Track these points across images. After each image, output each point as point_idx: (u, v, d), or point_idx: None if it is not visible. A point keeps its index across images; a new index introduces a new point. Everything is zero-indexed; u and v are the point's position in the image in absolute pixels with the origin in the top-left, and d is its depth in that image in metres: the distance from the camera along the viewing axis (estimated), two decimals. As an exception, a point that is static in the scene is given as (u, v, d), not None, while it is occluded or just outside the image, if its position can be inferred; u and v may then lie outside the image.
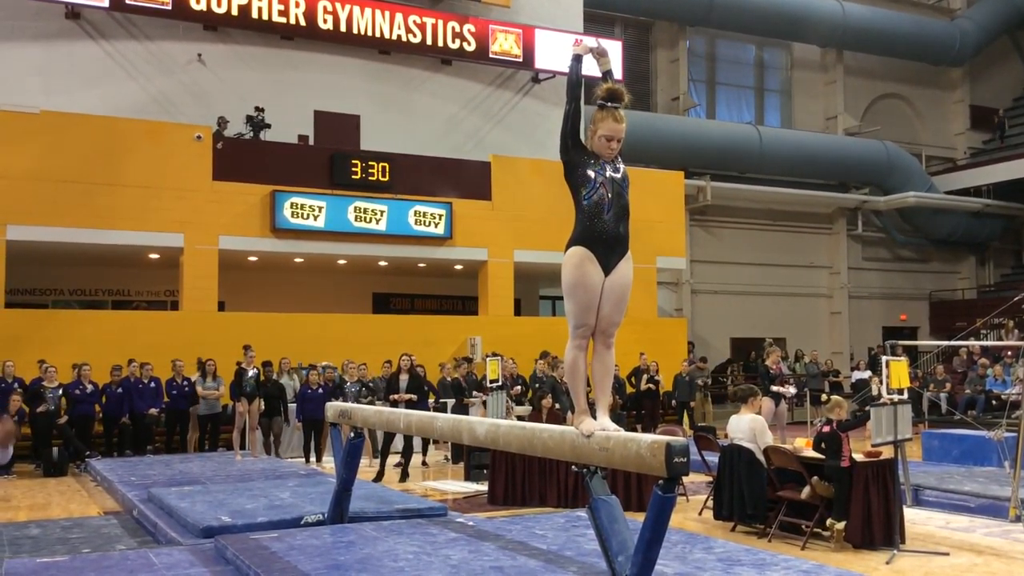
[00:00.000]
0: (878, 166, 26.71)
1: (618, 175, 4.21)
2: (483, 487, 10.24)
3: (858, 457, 7.47)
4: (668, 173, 20.59)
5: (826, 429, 7.65)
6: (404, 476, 11.72)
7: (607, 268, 4.10)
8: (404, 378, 12.91)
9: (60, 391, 12.94)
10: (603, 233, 4.10)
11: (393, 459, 12.08)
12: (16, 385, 12.75)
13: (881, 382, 8.65)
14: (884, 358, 8.69)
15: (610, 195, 4.14)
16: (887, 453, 7.73)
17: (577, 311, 4.11)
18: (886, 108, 28.96)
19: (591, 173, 4.16)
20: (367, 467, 12.06)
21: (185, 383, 13.82)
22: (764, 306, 25.46)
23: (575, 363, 4.18)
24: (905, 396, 8.16)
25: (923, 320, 28.52)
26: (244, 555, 5.97)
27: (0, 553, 7.09)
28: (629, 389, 16.87)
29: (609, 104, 4.20)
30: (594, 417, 4.17)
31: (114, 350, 13.85)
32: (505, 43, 19.75)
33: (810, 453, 7.85)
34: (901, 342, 13.90)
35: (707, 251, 25.06)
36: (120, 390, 13.46)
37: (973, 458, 11.05)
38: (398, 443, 12.27)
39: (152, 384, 13.71)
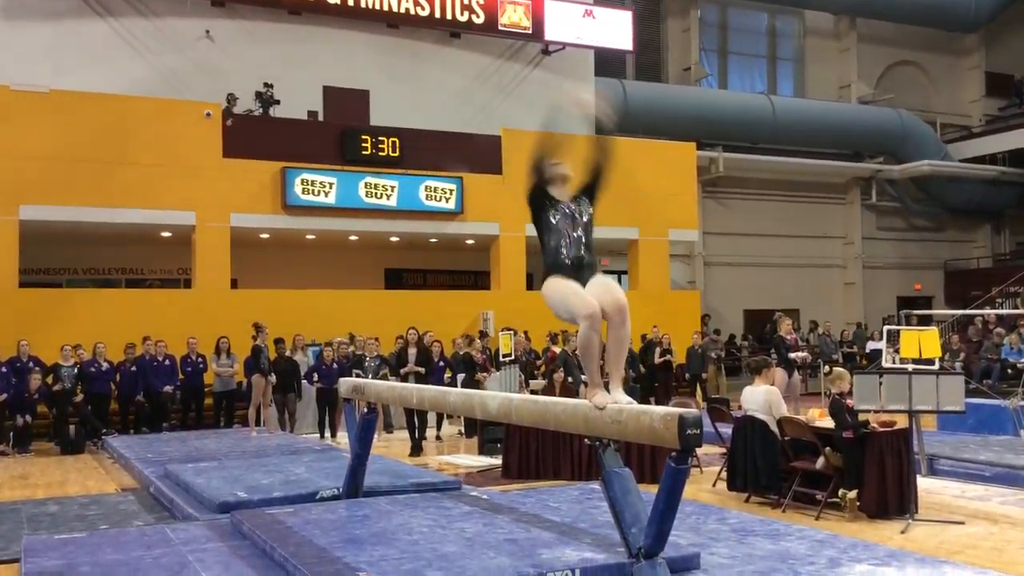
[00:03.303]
0: (892, 134, 26.44)
1: (577, 213, 4.62)
2: (497, 461, 10.28)
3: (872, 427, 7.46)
4: (680, 145, 20.45)
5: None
6: (418, 450, 11.78)
7: (582, 284, 4.48)
8: (412, 351, 12.98)
9: (75, 369, 13.03)
10: (568, 264, 4.52)
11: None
12: (32, 364, 12.84)
13: (895, 351, 8.62)
14: (886, 328, 8.66)
15: (569, 236, 4.56)
16: (902, 423, 7.71)
17: (578, 309, 4.34)
18: (900, 76, 28.62)
19: (551, 219, 4.61)
20: (379, 443, 12.14)
21: (200, 360, 13.90)
22: (778, 277, 25.34)
23: (589, 340, 4.31)
24: (936, 366, 8.14)
25: (938, 289, 28.33)
26: (260, 530, 6.02)
27: (19, 530, 7.17)
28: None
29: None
30: (607, 391, 4.19)
31: (128, 328, 13.92)
32: (514, 15, 19.58)
33: (823, 423, 7.83)
34: (916, 311, 13.85)
35: (720, 223, 24.92)
36: (135, 368, 13.54)
37: (988, 427, 11.00)
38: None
39: (167, 362, 13.80)
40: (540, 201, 4.63)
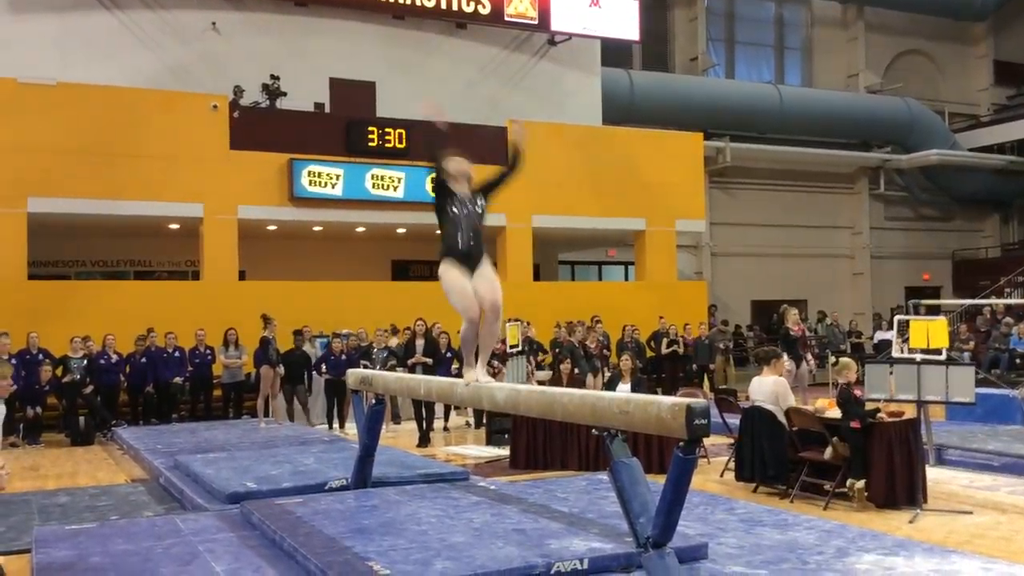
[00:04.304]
0: (900, 124, 26.34)
1: (473, 206, 5.52)
2: (504, 452, 10.30)
3: (881, 417, 7.46)
4: (687, 135, 20.40)
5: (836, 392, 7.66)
6: (425, 441, 11.81)
7: (471, 270, 5.43)
8: (420, 343, 12.99)
9: (85, 361, 13.08)
10: (461, 252, 5.42)
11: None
12: (41, 356, 12.90)
13: (904, 341, 8.61)
14: (897, 318, 8.65)
15: (463, 227, 5.43)
16: (910, 413, 7.71)
17: (461, 305, 5.39)
18: (908, 65, 28.49)
19: (450, 210, 5.47)
20: (387, 434, 12.16)
21: (208, 352, 13.95)
22: (785, 268, 25.29)
23: (466, 335, 5.54)
24: (943, 355, 8.14)
25: (946, 279, 28.26)
26: (270, 520, 6.04)
27: (30, 520, 7.21)
28: (649, 353, 16.86)
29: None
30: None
31: (137, 320, 13.96)
32: (520, 5, 19.51)
33: (831, 414, 7.83)
34: (924, 301, 13.81)
35: (727, 213, 24.87)
36: (144, 359, 13.60)
37: (997, 417, 10.98)
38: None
39: (176, 353, 13.84)
40: (441, 192, 5.51)
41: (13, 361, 12.61)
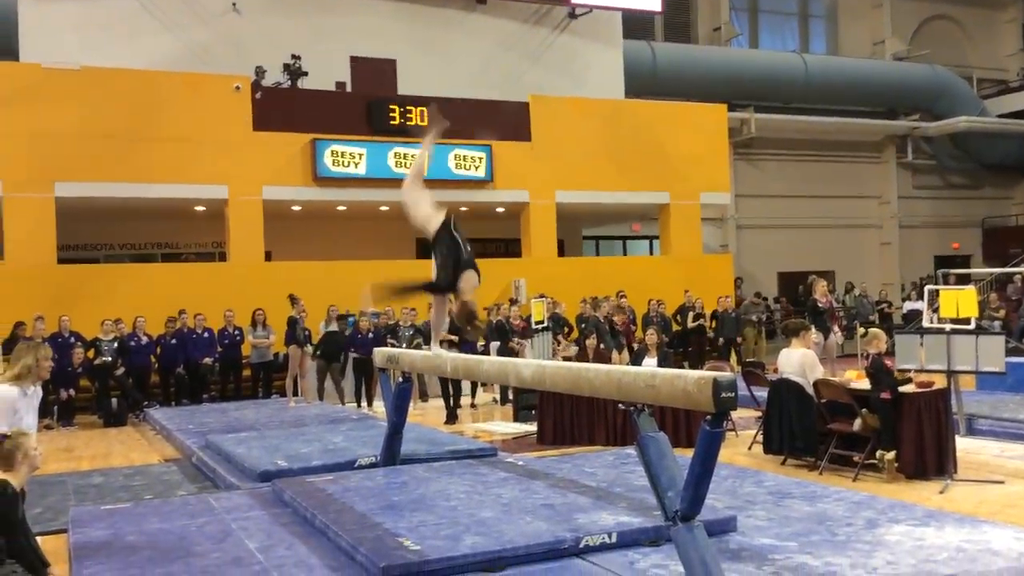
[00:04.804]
0: (927, 91, 25.94)
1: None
2: (532, 428, 10.32)
3: (910, 388, 7.40)
4: (710, 106, 20.19)
5: (865, 363, 7.60)
6: (453, 418, 11.86)
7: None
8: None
9: (116, 343, 13.24)
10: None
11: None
12: (73, 339, 13.07)
13: (934, 311, 8.53)
14: (927, 287, 8.57)
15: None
16: (940, 383, 7.64)
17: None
18: (935, 30, 28.00)
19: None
20: (414, 411, 12.22)
21: (236, 332, 14.07)
22: (812, 239, 25.07)
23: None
24: (973, 325, 8.07)
25: (976, 248, 27.91)
26: (301, 497, 6.11)
27: (66, 501, 7.34)
28: (675, 327, 16.80)
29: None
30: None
31: (166, 302, 14.10)
32: (540, -22, 19.36)
33: (859, 385, 7.78)
34: (953, 270, 13.68)
35: (752, 185, 24.66)
36: (175, 341, 13.74)
37: (1028, 386, 10.85)
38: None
39: (206, 334, 13.97)
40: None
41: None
